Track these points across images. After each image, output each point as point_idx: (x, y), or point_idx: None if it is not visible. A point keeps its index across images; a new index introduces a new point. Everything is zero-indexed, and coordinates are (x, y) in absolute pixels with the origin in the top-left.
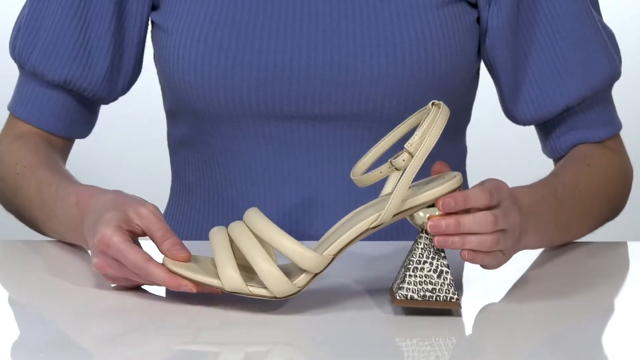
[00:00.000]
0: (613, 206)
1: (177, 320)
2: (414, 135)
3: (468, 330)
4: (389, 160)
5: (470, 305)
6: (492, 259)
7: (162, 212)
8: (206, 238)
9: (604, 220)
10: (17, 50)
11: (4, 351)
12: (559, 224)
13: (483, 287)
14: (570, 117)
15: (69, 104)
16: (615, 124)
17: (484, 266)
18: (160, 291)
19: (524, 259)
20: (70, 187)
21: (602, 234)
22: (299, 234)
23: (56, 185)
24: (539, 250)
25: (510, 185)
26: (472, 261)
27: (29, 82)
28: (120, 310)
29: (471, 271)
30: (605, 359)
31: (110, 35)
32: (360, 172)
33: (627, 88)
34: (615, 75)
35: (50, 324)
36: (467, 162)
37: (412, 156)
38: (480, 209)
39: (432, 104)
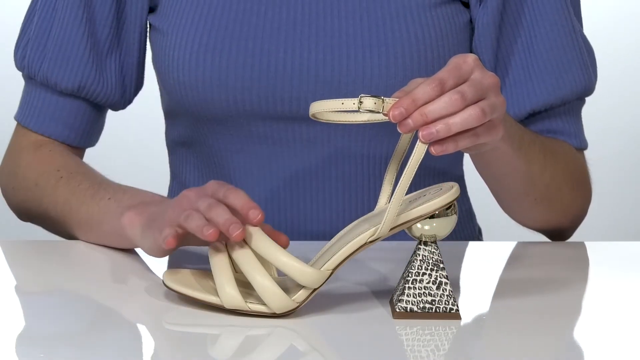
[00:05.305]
0: (574, 190)
1: (178, 306)
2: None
3: (468, 321)
4: (360, 95)
5: (471, 300)
6: (486, 131)
7: None
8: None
9: (564, 195)
10: (27, 61)
11: (9, 345)
12: (522, 141)
13: (482, 285)
14: (535, 122)
15: (81, 112)
16: (582, 140)
17: (484, 144)
18: (160, 290)
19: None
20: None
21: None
22: (295, 233)
23: (111, 198)
24: (533, 250)
25: None
26: (474, 144)
27: (39, 92)
28: (121, 299)
29: (470, 272)
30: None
31: (113, 40)
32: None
33: (628, 89)
34: (588, 89)
35: (56, 320)
36: (464, 161)
37: (382, 100)
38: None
39: None
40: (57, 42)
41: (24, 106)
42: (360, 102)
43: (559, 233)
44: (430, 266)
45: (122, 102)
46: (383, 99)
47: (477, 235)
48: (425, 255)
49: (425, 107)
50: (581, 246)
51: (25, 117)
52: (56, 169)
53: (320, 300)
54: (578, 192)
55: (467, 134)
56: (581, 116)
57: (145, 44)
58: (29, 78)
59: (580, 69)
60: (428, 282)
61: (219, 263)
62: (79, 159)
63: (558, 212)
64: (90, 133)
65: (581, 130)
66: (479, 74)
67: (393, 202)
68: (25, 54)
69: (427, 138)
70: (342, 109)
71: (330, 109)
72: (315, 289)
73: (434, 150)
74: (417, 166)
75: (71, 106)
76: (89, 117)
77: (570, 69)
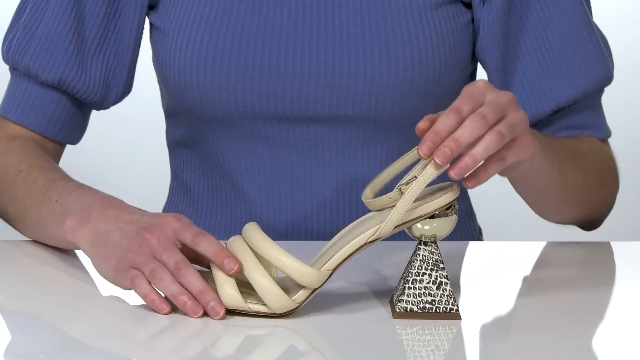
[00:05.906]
0: (603, 185)
1: (175, 308)
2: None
3: (468, 321)
4: (398, 186)
5: (471, 300)
6: (511, 151)
7: (161, 211)
8: None
9: (595, 194)
10: (12, 51)
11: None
12: (551, 150)
13: (482, 285)
14: (559, 119)
15: (61, 106)
16: (605, 129)
17: (519, 164)
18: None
19: (520, 259)
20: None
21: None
22: (296, 233)
23: (62, 206)
24: (533, 250)
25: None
26: (504, 167)
27: (21, 83)
28: (113, 302)
29: (470, 272)
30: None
31: (103, 38)
32: (372, 194)
33: (628, 88)
34: (608, 79)
35: (55, 322)
36: None
37: (414, 177)
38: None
39: None
40: (44, 34)
41: (7, 97)
42: (402, 193)
43: (591, 223)
44: (430, 266)
45: (105, 103)
46: (407, 183)
47: (477, 235)
48: (425, 255)
49: (454, 134)
50: (585, 246)
51: (6, 107)
52: (19, 162)
53: (320, 300)
54: (607, 186)
55: (493, 160)
56: (602, 105)
57: (140, 45)
58: (13, 69)
59: (598, 60)
60: (428, 282)
61: None
62: (44, 153)
63: (591, 207)
64: (70, 128)
65: (604, 120)
66: (493, 95)
67: (399, 206)
68: (12, 45)
69: (460, 175)
70: (391, 203)
71: (379, 207)
72: (315, 289)
73: (470, 185)
74: (426, 183)
75: (52, 98)
76: (70, 111)
77: (589, 60)
